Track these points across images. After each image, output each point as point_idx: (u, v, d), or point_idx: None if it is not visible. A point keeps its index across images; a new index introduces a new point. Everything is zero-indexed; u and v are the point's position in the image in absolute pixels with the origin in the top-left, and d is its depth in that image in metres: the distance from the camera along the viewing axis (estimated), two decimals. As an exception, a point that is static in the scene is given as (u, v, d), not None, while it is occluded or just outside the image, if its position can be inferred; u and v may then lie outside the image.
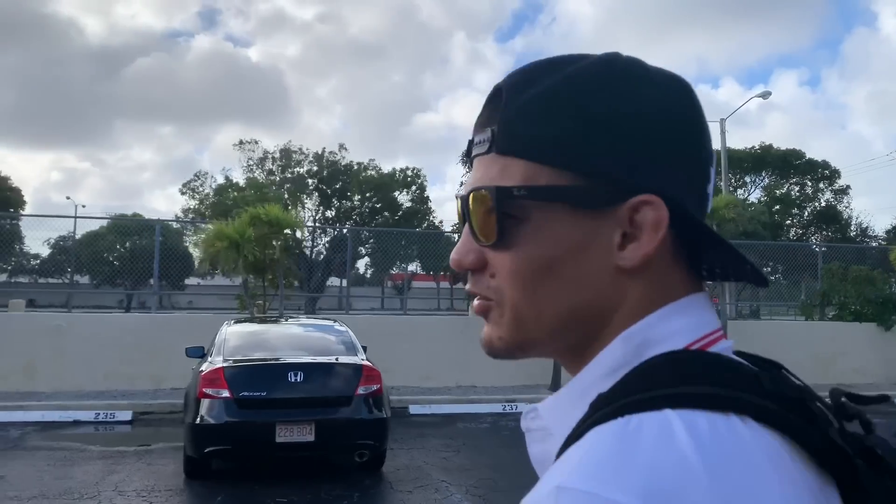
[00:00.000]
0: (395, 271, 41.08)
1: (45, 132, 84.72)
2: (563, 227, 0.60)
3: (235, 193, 45.66)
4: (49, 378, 11.53)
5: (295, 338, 7.74)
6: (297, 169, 46.48)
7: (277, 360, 6.93)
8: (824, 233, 46.88)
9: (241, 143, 46.91)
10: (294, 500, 6.22)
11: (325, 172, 45.73)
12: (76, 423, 10.10)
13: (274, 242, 11.63)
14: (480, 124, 0.65)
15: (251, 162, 46.66)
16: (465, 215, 0.65)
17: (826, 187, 48.66)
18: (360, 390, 6.70)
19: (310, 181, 45.84)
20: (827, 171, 48.65)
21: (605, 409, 0.54)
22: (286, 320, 9.01)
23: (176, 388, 11.95)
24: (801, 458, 0.53)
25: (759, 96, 29.54)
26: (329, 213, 45.85)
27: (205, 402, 6.49)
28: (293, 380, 6.60)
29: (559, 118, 0.60)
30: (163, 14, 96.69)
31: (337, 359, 7.05)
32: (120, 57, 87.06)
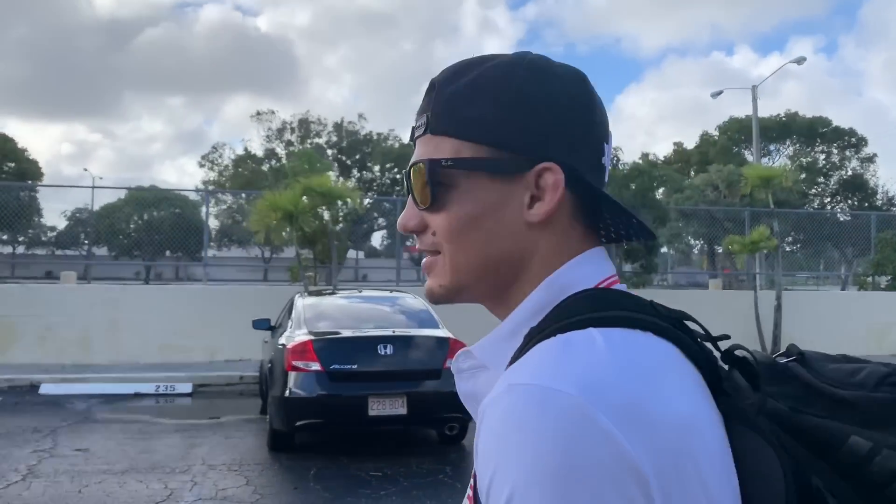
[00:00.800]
0: (409, 243, 40.72)
1: (55, 104, 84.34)
2: (484, 190, 0.74)
3: (253, 165, 45.59)
4: (104, 350, 11.49)
5: (374, 310, 7.61)
6: (316, 139, 46.23)
7: (366, 332, 6.79)
8: (850, 201, 46.29)
9: (258, 113, 46.67)
10: (388, 474, 6.12)
11: (344, 143, 45.50)
12: (137, 395, 10.07)
13: (327, 213, 11.43)
14: (419, 112, 0.79)
15: (269, 132, 46.46)
16: (408, 186, 0.78)
17: (853, 155, 47.96)
18: (448, 363, 6.56)
19: (329, 151, 45.57)
20: (853, 139, 47.91)
21: (540, 334, 0.67)
22: (359, 292, 8.86)
23: (230, 360, 11.92)
24: (688, 363, 0.68)
25: (793, 62, 28.88)
26: (349, 184, 45.62)
27: (294, 375, 6.37)
28: (383, 353, 6.47)
29: (478, 104, 0.74)
30: None
31: (423, 331, 6.90)
32: (129, 28, 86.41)
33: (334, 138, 44.90)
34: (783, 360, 0.76)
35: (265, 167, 47.07)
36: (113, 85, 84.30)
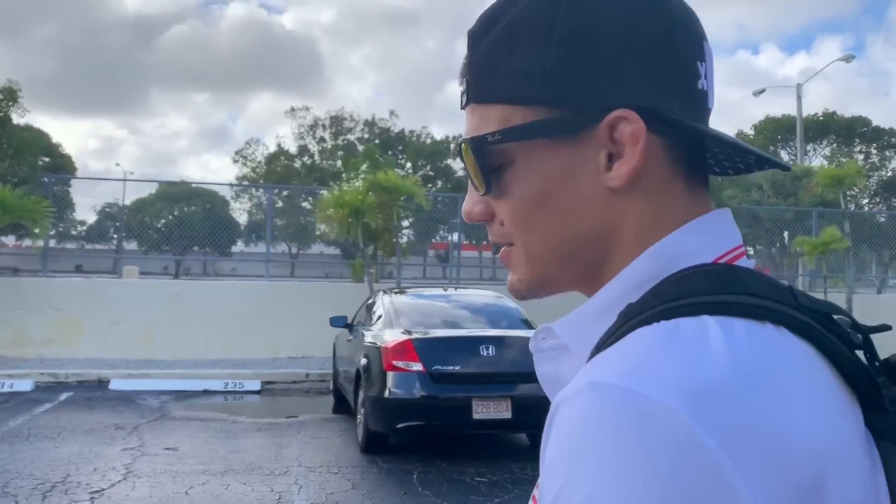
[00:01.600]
0: (436, 240, 40.80)
1: (82, 100, 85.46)
2: (547, 161, 0.60)
3: (286, 161, 45.66)
4: (167, 346, 11.41)
5: (466, 310, 7.41)
6: (349, 136, 46.20)
7: (467, 332, 6.60)
8: (889, 202, 45.42)
9: (292, 109, 46.76)
10: (493, 479, 5.92)
11: (376, 140, 45.41)
12: (206, 392, 9.95)
13: (392, 209, 11.26)
14: (461, 74, 0.65)
15: (301, 129, 46.50)
16: (464, 168, 0.65)
17: (893, 155, 47.06)
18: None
19: (361, 148, 45.54)
20: (893, 139, 47.02)
21: (639, 316, 0.53)
22: (445, 290, 8.66)
23: (293, 357, 11.80)
24: (831, 370, 0.53)
25: (841, 59, 28.33)
26: (414, 180, 45.43)
27: (394, 376, 6.19)
28: (486, 354, 6.27)
29: (520, 53, 0.59)
30: None
31: (526, 332, 6.69)
32: (156, 24, 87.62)
33: (366, 135, 44.82)
34: None
35: (297, 163, 47.31)
36: (140, 81, 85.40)
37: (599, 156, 0.59)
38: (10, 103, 11.86)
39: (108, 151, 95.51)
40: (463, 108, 0.66)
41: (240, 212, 48.44)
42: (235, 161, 46.70)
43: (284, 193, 43.41)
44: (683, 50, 0.60)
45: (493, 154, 0.61)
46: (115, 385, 9.93)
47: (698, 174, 0.63)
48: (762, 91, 32.17)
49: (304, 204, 45.07)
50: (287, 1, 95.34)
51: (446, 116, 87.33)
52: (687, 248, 0.59)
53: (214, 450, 6.80)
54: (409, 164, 46.42)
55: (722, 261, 0.59)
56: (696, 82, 0.61)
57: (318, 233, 13.39)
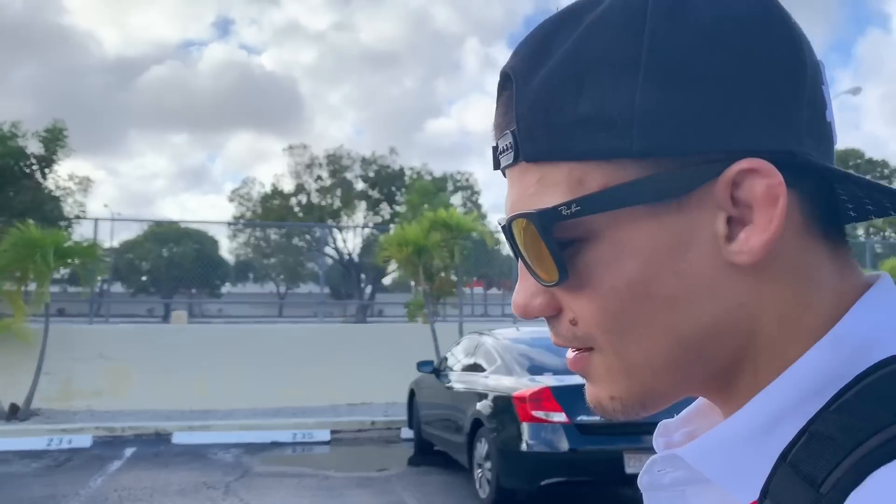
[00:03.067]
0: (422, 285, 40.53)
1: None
2: (645, 235, 0.45)
3: (278, 201, 45.28)
4: (222, 394, 10.89)
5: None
6: (346, 174, 45.95)
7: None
8: (883, 234, 45.91)
9: (289, 147, 46.52)
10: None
11: (372, 174, 45.12)
12: (275, 444, 9.43)
13: (454, 248, 10.93)
14: (498, 125, 0.50)
15: (299, 167, 46.21)
16: (513, 249, 0.49)
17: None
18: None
19: (362, 185, 45.40)
20: (886, 171, 47.77)
21: (875, 437, 0.39)
22: (517, 330, 8.26)
23: (353, 404, 11.32)
24: None
25: (849, 92, 28.65)
26: (376, 219, 45.21)
27: (533, 427, 5.77)
28: (628, 401, 5.88)
29: (593, 91, 0.44)
30: (177, 24, 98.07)
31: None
32: (135, 66, 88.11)
33: (371, 174, 44.73)
34: None
35: (293, 202, 46.89)
36: (118, 122, 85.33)
37: (717, 222, 0.45)
38: (56, 144, 11.43)
39: (86, 192, 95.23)
40: (501, 168, 0.50)
41: (233, 252, 47.97)
42: (231, 200, 46.25)
43: (283, 231, 42.99)
44: (810, 68, 0.46)
45: (565, 230, 0.46)
46: (178, 439, 9.39)
47: (836, 227, 0.48)
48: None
49: (301, 243, 44.74)
50: (266, 43, 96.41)
51: (426, 153, 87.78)
52: (875, 330, 0.44)
53: (327, 511, 6.33)
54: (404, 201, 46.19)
55: None
56: (825, 113, 0.47)
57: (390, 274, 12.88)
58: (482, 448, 6.50)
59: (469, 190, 46.78)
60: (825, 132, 0.47)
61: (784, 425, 0.43)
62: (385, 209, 45.72)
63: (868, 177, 0.45)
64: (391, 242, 10.79)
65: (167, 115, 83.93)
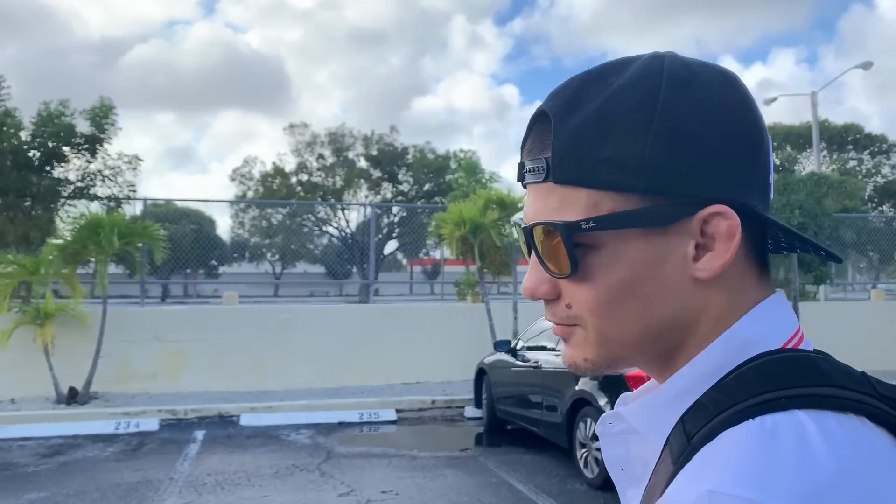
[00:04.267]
0: (422, 256, 40.63)
1: None
2: (636, 249, 0.60)
3: (279, 179, 44.84)
4: (277, 375, 10.78)
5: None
6: (348, 153, 45.53)
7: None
8: (881, 208, 46.06)
9: (290, 126, 46.01)
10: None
11: (376, 154, 44.74)
12: (342, 424, 9.35)
13: (506, 226, 10.81)
14: (531, 150, 0.64)
15: (299, 145, 45.73)
16: (530, 246, 0.65)
17: (885, 161, 47.78)
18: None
19: (364, 164, 45.04)
20: (884, 146, 47.79)
21: (732, 408, 0.54)
22: None
23: (407, 384, 11.24)
24: None
25: (859, 67, 28.57)
26: (376, 198, 44.88)
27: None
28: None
29: (616, 140, 0.59)
30: (162, 2, 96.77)
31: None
32: (119, 45, 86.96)
33: (374, 152, 44.35)
34: None
35: (293, 180, 46.45)
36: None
37: (688, 246, 0.60)
38: (106, 122, 11.13)
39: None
40: (529, 183, 0.65)
41: (234, 231, 47.51)
42: (233, 179, 45.75)
43: (287, 210, 42.61)
44: (765, 144, 0.63)
45: (579, 238, 0.61)
46: (245, 421, 9.28)
47: (763, 258, 0.65)
48: (774, 99, 32.37)
49: (305, 222, 44.36)
50: (253, 21, 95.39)
51: (413, 131, 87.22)
52: (757, 333, 0.61)
53: (430, 489, 6.26)
54: (407, 179, 45.87)
55: (790, 345, 0.61)
56: (769, 177, 0.64)
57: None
58: (586, 428, 6.45)
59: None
60: (767, 190, 0.64)
61: (686, 398, 0.60)
62: (387, 188, 45.46)
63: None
64: (447, 221, 10.65)
65: (152, 95, 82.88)
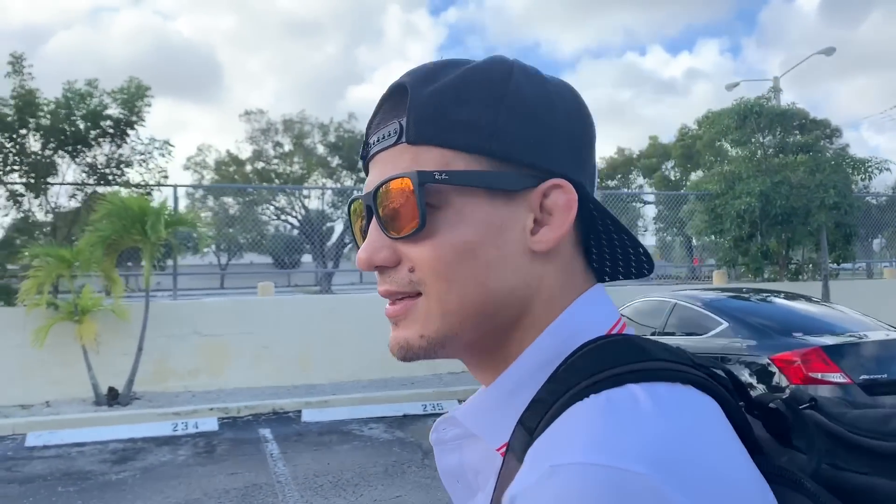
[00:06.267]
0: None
1: None
2: (481, 211, 0.61)
3: (234, 167, 43.54)
4: (323, 368, 10.31)
5: (807, 311, 6.82)
6: (307, 140, 44.52)
7: (867, 336, 6.04)
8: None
9: (246, 113, 44.67)
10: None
11: (335, 141, 43.88)
12: (406, 416, 8.98)
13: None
14: (381, 121, 0.65)
15: (255, 132, 44.47)
16: (371, 211, 0.64)
17: (829, 146, 49.54)
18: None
19: (323, 151, 44.15)
20: (828, 129, 49.52)
21: (566, 394, 0.55)
22: (743, 292, 8.01)
23: (453, 373, 10.92)
24: (726, 418, 0.57)
25: (821, 52, 29.31)
26: (334, 186, 44.05)
27: (814, 389, 5.56)
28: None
29: (472, 105, 0.61)
30: None
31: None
32: (42, 33, 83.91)
33: (332, 139, 43.50)
34: (797, 407, 0.64)
35: (248, 168, 45.16)
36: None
37: (527, 218, 0.62)
38: (141, 103, 10.32)
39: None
40: (375, 153, 0.65)
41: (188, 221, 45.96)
42: (187, 168, 44.24)
43: (246, 199, 41.42)
44: (594, 145, 0.68)
45: (429, 195, 0.61)
46: (308, 417, 8.81)
47: (588, 253, 0.68)
48: (736, 84, 32.96)
49: (265, 210, 43.19)
50: (183, 8, 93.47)
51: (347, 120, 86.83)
52: (583, 322, 0.63)
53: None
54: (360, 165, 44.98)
55: (614, 331, 0.63)
56: (595, 176, 0.68)
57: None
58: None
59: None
60: (594, 185, 0.68)
61: (521, 392, 0.60)
62: (347, 176, 44.68)
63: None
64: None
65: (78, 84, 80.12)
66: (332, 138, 43.96)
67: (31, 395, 9.10)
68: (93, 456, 7.35)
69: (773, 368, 5.76)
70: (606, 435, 0.49)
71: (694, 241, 26.52)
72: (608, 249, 0.68)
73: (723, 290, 7.99)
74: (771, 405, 0.63)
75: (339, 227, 38.67)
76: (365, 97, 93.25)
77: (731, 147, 15.79)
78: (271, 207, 42.79)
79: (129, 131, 10.39)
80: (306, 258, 37.24)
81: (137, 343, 9.08)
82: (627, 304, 8.06)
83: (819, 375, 5.58)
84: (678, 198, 19.92)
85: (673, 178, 46.94)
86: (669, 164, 47.92)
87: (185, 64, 78.66)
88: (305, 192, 41.76)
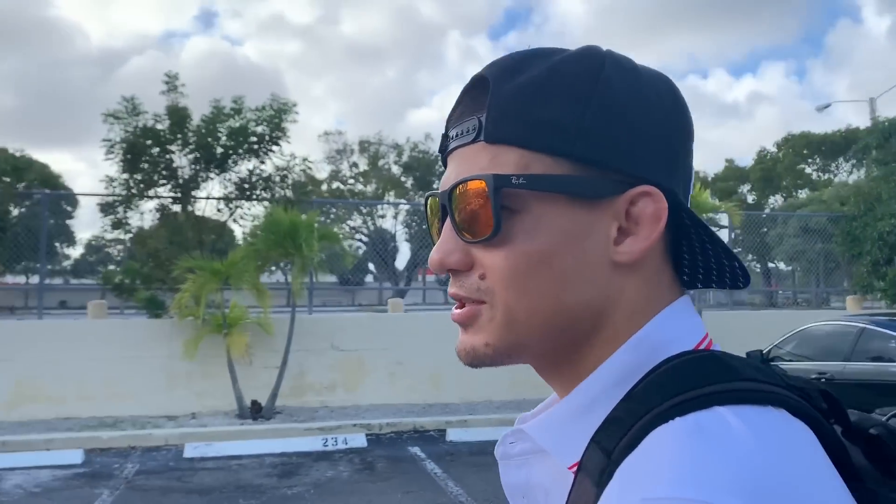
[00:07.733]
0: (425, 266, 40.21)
1: (43, 133, 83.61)
2: (561, 218, 0.58)
3: (310, 187, 44.29)
4: (454, 386, 10.20)
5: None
6: (382, 161, 45.04)
7: None
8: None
9: (325, 133, 45.51)
10: None
11: (408, 161, 44.29)
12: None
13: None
14: (461, 114, 0.62)
15: (332, 154, 45.20)
16: (447, 211, 0.61)
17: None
18: None
19: (396, 171, 44.58)
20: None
21: (648, 415, 0.51)
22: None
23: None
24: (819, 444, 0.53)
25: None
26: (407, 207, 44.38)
27: None
28: None
29: (555, 104, 0.57)
30: (160, 16, 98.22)
31: None
32: (117, 58, 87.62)
33: (405, 159, 43.91)
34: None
35: (323, 188, 45.89)
36: (98, 113, 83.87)
37: (611, 227, 0.58)
38: (287, 120, 10.50)
39: (69, 183, 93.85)
40: (454, 148, 0.62)
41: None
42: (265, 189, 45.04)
43: (330, 217, 42.06)
44: (692, 147, 0.63)
45: (505, 198, 0.57)
46: (453, 436, 8.69)
47: (677, 261, 0.63)
48: (827, 106, 32.21)
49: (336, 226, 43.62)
50: (250, 34, 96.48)
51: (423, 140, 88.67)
52: (668, 335, 0.58)
53: None
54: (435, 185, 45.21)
55: (701, 347, 0.58)
56: (691, 179, 0.63)
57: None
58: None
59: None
60: (688, 190, 0.62)
61: (597, 408, 0.55)
62: (420, 196, 44.90)
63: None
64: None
65: (149, 106, 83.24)
66: (405, 158, 44.35)
67: (177, 406, 9.22)
68: (254, 469, 7.36)
69: None
70: (697, 465, 0.46)
71: (781, 265, 25.79)
72: (702, 261, 0.63)
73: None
74: (872, 431, 0.58)
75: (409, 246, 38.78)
76: (424, 120, 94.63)
77: (876, 167, 15.20)
78: (346, 227, 43.34)
79: (274, 147, 10.55)
80: (368, 277, 37.50)
81: (282, 357, 9.14)
82: (793, 331, 7.74)
83: None
84: (758, 222, 19.41)
85: (750, 202, 45.87)
86: (745, 187, 46.99)
87: (252, 87, 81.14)
88: (381, 210, 42.16)
